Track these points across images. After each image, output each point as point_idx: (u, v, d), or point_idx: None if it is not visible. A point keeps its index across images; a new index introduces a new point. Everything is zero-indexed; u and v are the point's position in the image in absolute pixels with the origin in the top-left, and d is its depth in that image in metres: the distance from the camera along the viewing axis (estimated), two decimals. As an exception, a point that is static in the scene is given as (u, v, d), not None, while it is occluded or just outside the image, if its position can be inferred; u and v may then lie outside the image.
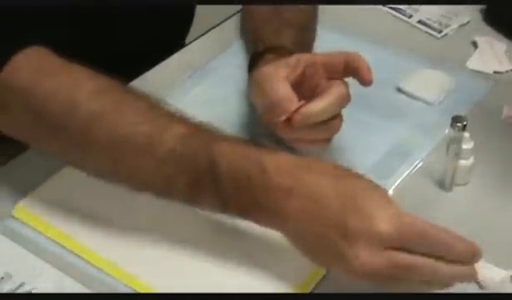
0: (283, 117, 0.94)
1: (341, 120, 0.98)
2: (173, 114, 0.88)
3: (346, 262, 0.79)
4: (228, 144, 0.84)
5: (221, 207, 0.85)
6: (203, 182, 0.84)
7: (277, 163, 0.83)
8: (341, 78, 0.97)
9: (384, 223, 0.78)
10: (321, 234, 0.80)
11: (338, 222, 0.79)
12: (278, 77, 0.96)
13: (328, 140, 0.99)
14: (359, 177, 0.84)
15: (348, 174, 0.84)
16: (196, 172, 0.84)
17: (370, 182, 0.83)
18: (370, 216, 0.79)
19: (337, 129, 0.98)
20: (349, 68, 0.96)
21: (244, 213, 0.85)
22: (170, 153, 0.84)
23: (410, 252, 0.79)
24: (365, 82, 0.95)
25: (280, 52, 1.05)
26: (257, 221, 0.85)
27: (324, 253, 0.82)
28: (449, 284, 0.82)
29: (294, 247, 0.84)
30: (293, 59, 0.99)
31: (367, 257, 0.78)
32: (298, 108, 0.94)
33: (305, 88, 0.97)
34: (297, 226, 0.82)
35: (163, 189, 0.87)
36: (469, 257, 0.80)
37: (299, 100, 0.95)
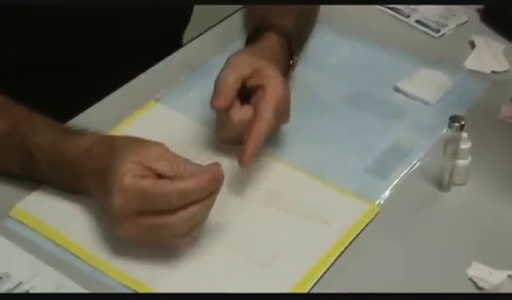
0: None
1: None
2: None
3: (116, 234, 0.88)
4: (45, 136, 0.93)
5: (56, 184, 0.95)
6: (30, 169, 0.94)
7: (74, 150, 0.91)
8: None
9: (115, 197, 0.85)
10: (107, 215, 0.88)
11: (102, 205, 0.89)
12: (236, 71, 0.99)
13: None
14: (114, 150, 0.89)
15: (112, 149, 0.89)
16: (20, 163, 0.94)
17: (122, 152, 0.88)
18: (108, 192, 0.86)
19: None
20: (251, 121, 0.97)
21: (75, 190, 0.94)
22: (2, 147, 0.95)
23: (154, 211, 0.85)
24: (241, 158, 0.95)
25: (284, 32, 1.09)
26: (89, 194, 0.92)
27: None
28: (185, 229, 0.87)
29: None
30: (257, 70, 1.00)
31: (121, 229, 0.86)
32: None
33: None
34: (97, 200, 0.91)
35: (7, 171, 0.96)
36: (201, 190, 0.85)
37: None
